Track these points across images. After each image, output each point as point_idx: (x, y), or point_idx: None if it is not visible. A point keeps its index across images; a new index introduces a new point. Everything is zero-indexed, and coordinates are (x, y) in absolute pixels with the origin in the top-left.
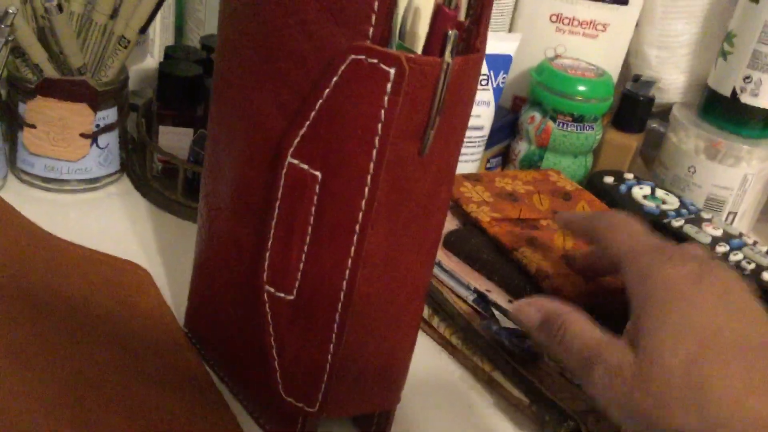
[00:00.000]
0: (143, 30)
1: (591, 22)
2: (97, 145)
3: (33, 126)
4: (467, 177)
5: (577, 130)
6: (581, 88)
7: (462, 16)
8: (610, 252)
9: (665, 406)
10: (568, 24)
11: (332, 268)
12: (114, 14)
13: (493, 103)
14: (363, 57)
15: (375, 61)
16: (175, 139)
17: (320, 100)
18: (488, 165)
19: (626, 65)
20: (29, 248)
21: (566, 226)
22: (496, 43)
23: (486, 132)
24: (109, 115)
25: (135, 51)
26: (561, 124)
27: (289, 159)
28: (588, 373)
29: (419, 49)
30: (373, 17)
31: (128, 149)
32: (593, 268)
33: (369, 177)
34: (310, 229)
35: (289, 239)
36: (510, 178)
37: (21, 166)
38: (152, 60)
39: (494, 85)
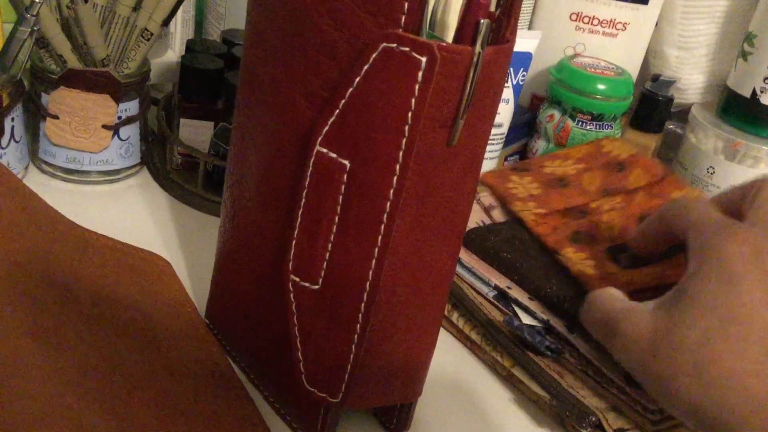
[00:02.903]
0: (166, 23)
1: (611, 21)
2: (119, 137)
3: (56, 117)
4: (515, 168)
5: (596, 128)
6: (601, 86)
7: (493, 6)
8: (679, 228)
9: (674, 376)
10: (588, 23)
11: (358, 257)
12: (137, 7)
13: (512, 101)
14: (395, 45)
15: (407, 49)
16: (195, 132)
17: (350, 89)
18: (506, 163)
19: (645, 65)
20: (55, 236)
21: (642, 240)
22: (516, 40)
23: (505, 129)
24: (131, 107)
25: (156, 44)
26: (580, 123)
27: (318, 147)
28: (611, 341)
29: (449, 39)
30: (406, 5)
31: (148, 142)
32: (650, 245)
33: (397, 166)
34: (336, 218)
35: (315, 228)
36: (561, 159)
37: (42, 156)
38: (173, 54)
39: (514, 83)
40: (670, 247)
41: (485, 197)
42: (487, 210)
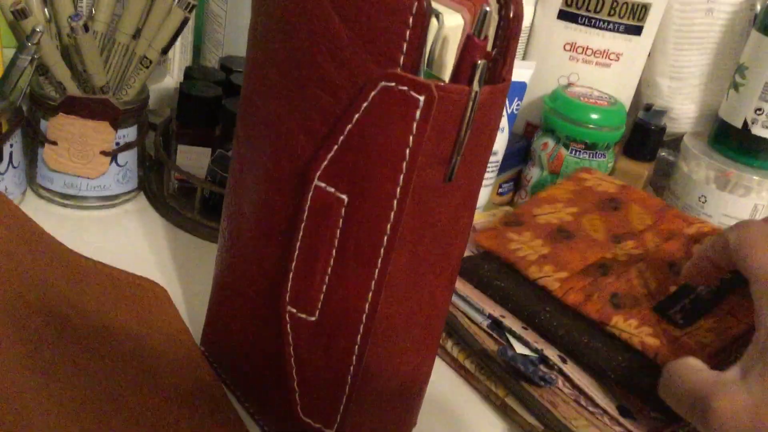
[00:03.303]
0: (165, 51)
1: (604, 52)
2: (117, 163)
3: (54, 143)
4: (508, 224)
5: (589, 157)
6: (594, 116)
7: (489, 47)
8: (744, 268)
9: None
10: (582, 53)
11: (355, 290)
12: (137, 35)
13: (507, 129)
14: (393, 84)
15: (405, 88)
16: (192, 159)
17: (349, 125)
18: (500, 190)
19: (638, 94)
20: (52, 264)
21: (696, 273)
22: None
23: (499, 157)
24: (129, 133)
25: (154, 71)
26: (573, 152)
27: (316, 182)
28: (702, 418)
29: (446, 78)
30: (405, 46)
31: (145, 167)
32: (704, 278)
33: (395, 202)
34: (334, 251)
35: (313, 261)
36: (548, 204)
37: (40, 182)
38: (171, 80)
39: (508, 112)
40: (722, 285)
41: (477, 224)
42: None
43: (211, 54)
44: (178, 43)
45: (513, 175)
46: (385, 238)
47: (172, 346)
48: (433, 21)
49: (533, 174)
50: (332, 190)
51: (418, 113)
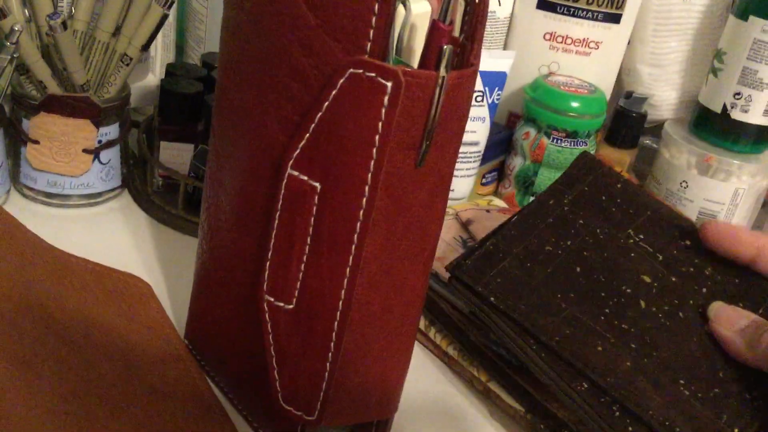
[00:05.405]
0: (145, 48)
1: (584, 40)
2: (99, 161)
3: (36, 142)
4: None
5: (570, 145)
6: (575, 104)
7: (456, 32)
8: (743, 251)
9: None
10: (562, 42)
11: (331, 277)
12: (116, 32)
13: (488, 119)
14: (361, 71)
15: (373, 74)
16: (175, 155)
17: (319, 113)
18: (483, 180)
19: (619, 82)
20: (34, 261)
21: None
22: (491, 60)
23: (481, 147)
24: (111, 131)
25: (136, 68)
26: (555, 140)
27: (289, 170)
28: None
29: (415, 64)
30: (371, 33)
31: (129, 165)
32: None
33: (367, 188)
34: (309, 239)
35: (288, 249)
36: None
37: (23, 181)
38: (153, 77)
39: (489, 102)
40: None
41: (463, 212)
42: (465, 225)
43: (194, 51)
44: (159, 40)
45: (496, 165)
46: (359, 224)
47: (156, 341)
48: (401, 8)
49: (516, 164)
50: (305, 178)
51: (386, 99)
